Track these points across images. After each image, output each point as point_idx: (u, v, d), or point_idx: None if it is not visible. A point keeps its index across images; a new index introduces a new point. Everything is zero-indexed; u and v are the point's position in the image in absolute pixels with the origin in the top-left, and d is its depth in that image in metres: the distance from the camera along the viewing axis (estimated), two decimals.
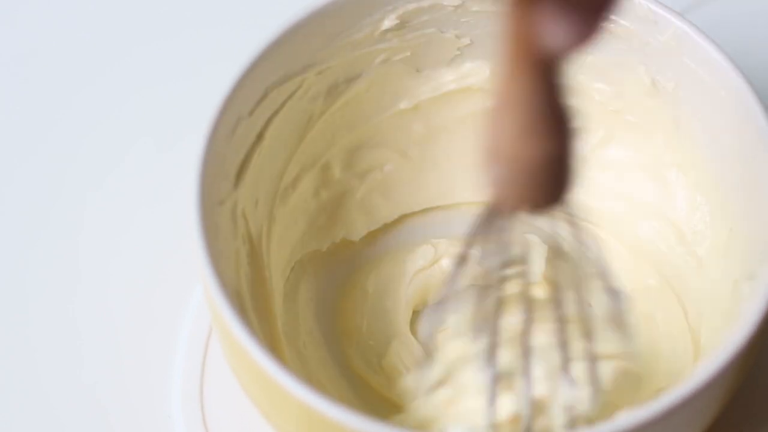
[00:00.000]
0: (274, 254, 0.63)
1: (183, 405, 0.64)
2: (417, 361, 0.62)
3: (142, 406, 0.64)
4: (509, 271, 0.53)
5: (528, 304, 0.53)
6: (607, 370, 0.57)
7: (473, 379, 0.56)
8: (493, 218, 0.47)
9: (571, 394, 0.53)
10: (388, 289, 0.65)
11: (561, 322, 0.52)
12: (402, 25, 0.64)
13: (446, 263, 0.65)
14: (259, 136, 0.62)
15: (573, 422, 0.53)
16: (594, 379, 0.53)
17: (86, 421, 0.64)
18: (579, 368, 0.54)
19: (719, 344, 0.52)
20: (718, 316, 0.59)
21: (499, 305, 0.53)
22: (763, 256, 0.54)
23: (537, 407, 0.54)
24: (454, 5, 0.63)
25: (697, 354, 0.61)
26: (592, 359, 0.53)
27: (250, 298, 0.60)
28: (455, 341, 0.58)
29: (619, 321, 0.53)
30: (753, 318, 0.52)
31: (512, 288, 0.53)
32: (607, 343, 0.56)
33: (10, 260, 0.70)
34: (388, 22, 0.63)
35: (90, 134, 0.75)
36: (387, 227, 0.68)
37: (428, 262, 0.65)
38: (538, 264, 0.63)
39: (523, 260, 0.53)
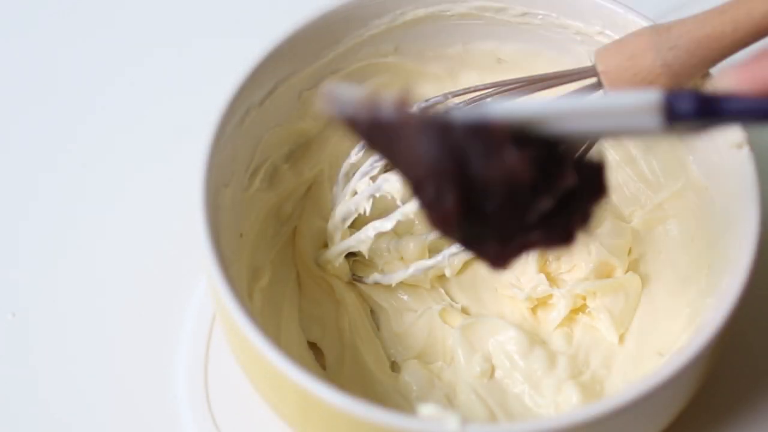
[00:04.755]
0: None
1: (188, 389, 0.66)
2: None
3: (147, 394, 0.66)
4: None
5: None
6: None
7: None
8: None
9: None
10: None
11: None
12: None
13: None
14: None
15: None
16: None
17: (90, 413, 0.65)
18: None
19: (682, 347, 0.55)
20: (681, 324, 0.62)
21: None
22: (726, 270, 0.57)
23: None
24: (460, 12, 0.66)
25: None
26: None
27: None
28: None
29: None
30: (715, 322, 0.54)
31: None
32: None
33: (20, 257, 0.71)
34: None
35: (94, 128, 0.76)
36: None
37: None
38: None
39: None
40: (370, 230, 0.65)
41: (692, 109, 0.48)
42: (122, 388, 0.66)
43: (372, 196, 0.64)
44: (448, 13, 0.66)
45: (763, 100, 0.48)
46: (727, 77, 0.49)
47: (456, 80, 0.69)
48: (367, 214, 0.65)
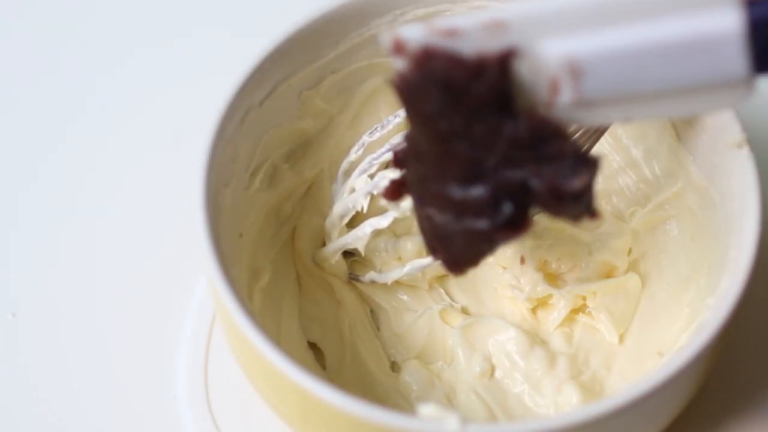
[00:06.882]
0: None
1: (188, 389, 0.66)
2: None
3: (147, 394, 0.66)
4: None
5: None
6: None
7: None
8: None
9: None
10: None
11: None
12: None
13: None
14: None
15: None
16: None
17: (89, 413, 0.65)
18: None
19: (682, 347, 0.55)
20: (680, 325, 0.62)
21: None
22: (726, 270, 0.57)
23: None
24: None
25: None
26: None
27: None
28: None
29: None
30: (715, 322, 0.54)
31: None
32: None
33: (20, 257, 0.71)
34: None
35: (93, 128, 0.76)
36: None
37: None
38: None
39: None
40: (366, 227, 0.65)
41: None
42: (122, 388, 0.66)
43: (370, 193, 0.64)
44: (448, 13, 0.66)
45: None
46: None
47: None
48: (365, 211, 0.65)
